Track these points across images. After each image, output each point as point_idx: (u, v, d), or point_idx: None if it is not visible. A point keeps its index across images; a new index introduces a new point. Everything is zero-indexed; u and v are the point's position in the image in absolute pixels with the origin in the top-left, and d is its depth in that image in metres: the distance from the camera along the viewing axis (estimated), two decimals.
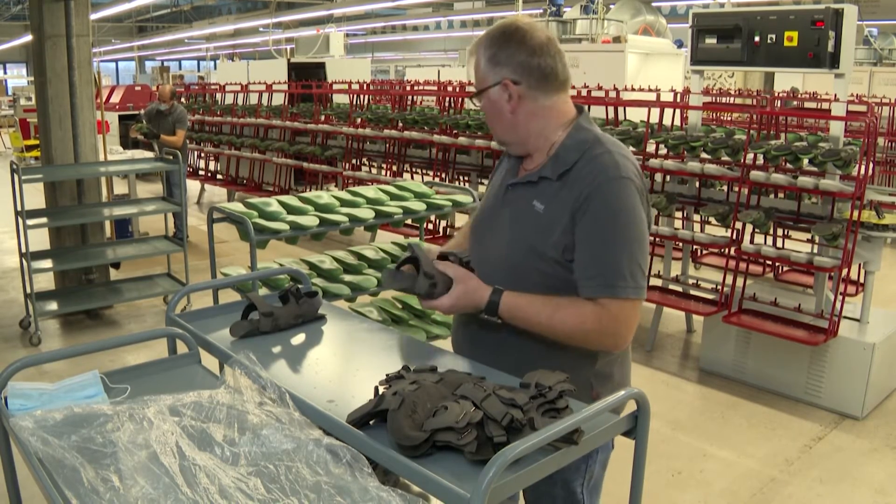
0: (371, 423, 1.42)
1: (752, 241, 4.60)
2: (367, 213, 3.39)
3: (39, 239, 5.38)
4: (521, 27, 1.67)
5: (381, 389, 1.47)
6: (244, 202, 3.22)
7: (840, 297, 4.04)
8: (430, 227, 6.68)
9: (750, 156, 4.38)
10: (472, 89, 1.80)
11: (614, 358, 1.78)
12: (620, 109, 5.80)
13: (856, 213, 3.94)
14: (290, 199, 3.31)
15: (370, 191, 3.57)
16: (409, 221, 4.06)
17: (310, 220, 3.20)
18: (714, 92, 10.14)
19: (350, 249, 3.51)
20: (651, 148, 4.94)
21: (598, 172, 1.63)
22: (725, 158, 4.55)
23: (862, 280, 4.50)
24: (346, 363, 1.88)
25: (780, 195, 4.61)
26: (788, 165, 4.28)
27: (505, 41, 1.67)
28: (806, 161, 4.11)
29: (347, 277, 3.30)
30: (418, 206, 3.60)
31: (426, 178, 7.07)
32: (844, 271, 4.15)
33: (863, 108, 6.27)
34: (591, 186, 1.63)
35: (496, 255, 1.76)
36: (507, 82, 1.66)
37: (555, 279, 1.68)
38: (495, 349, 1.74)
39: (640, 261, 1.63)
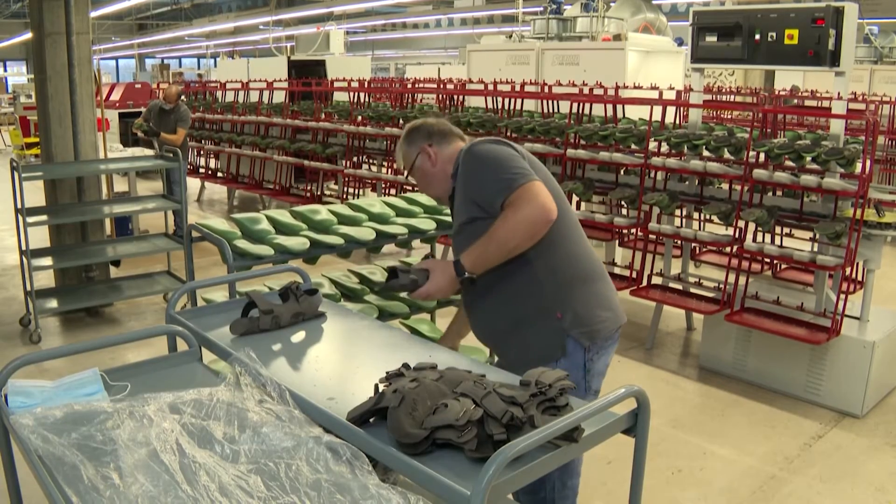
0: (371, 420, 1.42)
1: (754, 240, 4.60)
2: (367, 232, 3.02)
3: (39, 236, 5.38)
4: (417, 122, 2.34)
5: (381, 387, 1.47)
6: (229, 217, 2.89)
7: (842, 296, 4.04)
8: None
9: (752, 154, 4.37)
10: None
11: (569, 284, 2.14)
12: (620, 107, 5.78)
13: (858, 212, 3.94)
14: (282, 215, 2.98)
15: (375, 205, 3.22)
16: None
17: (299, 243, 2.81)
18: (714, 90, 10.12)
19: (351, 270, 3.19)
20: (653, 146, 4.93)
21: (461, 155, 2.20)
22: (727, 156, 4.54)
23: (861, 278, 4.50)
24: (347, 361, 1.88)
25: (779, 193, 4.60)
26: (789, 164, 4.28)
27: (413, 130, 2.32)
28: (808, 159, 4.11)
29: (348, 305, 2.84)
30: (427, 224, 3.20)
31: None
32: (846, 270, 4.15)
33: (862, 107, 6.27)
34: (460, 164, 2.19)
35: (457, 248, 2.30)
36: (424, 146, 2.26)
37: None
38: (477, 310, 2.27)
39: (510, 164, 2.06)
